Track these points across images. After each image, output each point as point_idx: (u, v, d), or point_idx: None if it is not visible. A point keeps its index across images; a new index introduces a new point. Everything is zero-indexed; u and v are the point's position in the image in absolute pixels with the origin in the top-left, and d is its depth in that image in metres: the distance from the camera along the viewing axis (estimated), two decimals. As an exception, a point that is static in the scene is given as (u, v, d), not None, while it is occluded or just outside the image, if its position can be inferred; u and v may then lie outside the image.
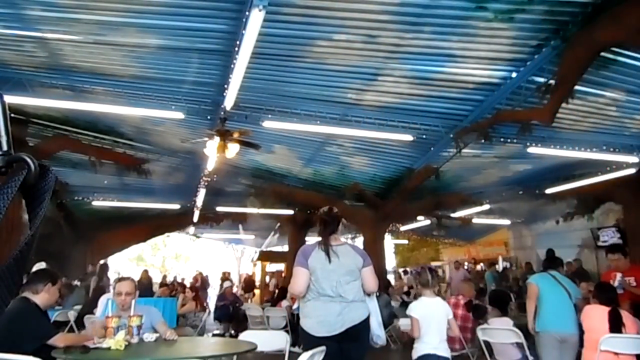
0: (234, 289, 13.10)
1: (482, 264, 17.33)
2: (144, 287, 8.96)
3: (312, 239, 17.17)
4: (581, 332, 3.93)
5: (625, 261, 4.82)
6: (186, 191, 12.62)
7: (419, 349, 3.62)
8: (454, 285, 10.81)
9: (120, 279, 3.70)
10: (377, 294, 3.32)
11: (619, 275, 4.64)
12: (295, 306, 7.31)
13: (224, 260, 28.56)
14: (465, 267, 16.23)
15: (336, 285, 3.03)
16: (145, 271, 11.75)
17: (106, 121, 8.72)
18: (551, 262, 4.52)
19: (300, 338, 3.22)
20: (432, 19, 5.11)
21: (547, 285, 4.20)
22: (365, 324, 3.07)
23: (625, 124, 7.61)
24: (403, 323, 6.03)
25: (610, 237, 12.31)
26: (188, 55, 6.11)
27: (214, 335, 9.11)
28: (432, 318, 3.69)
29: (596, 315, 3.77)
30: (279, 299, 8.79)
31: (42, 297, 3.23)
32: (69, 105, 7.33)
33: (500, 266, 17.20)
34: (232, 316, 9.55)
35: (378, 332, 3.18)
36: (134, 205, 13.57)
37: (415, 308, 3.77)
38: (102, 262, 11.24)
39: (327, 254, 3.08)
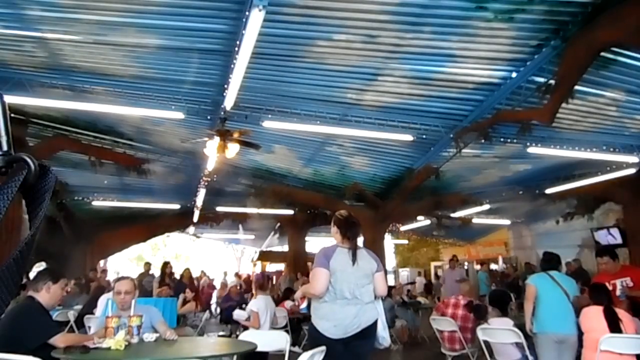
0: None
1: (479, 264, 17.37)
2: (185, 288, 8.77)
3: (312, 239, 17.24)
4: (580, 332, 3.94)
5: (615, 263, 4.77)
6: (186, 191, 12.62)
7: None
8: (449, 286, 9.94)
9: (119, 279, 3.71)
10: (382, 297, 3.36)
11: (619, 284, 4.64)
12: (303, 305, 7.31)
13: (224, 260, 28.57)
14: (465, 267, 16.21)
15: (353, 287, 3.09)
16: (188, 270, 10.97)
17: (106, 121, 8.72)
18: (549, 262, 4.48)
19: (311, 337, 3.24)
20: (432, 19, 5.11)
21: (545, 286, 4.18)
22: (376, 323, 3.16)
23: (625, 124, 7.61)
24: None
25: (604, 236, 12.30)
26: (188, 55, 6.11)
27: (219, 336, 9.05)
28: (267, 311, 5.15)
29: (593, 315, 3.79)
30: (282, 299, 8.77)
31: (42, 295, 3.23)
32: (69, 105, 7.33)
33: (499, 266, 17.19)
34: None
35: (383, 334, 3.23)
36: (134, 205, 13.57)
37: (257, 304, 5.28)
38: (165, 260, 10.97)
39: (354, 257, 3.15)
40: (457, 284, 7.90)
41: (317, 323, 3.12)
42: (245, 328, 7.22)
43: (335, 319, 3.04)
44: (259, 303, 5.29)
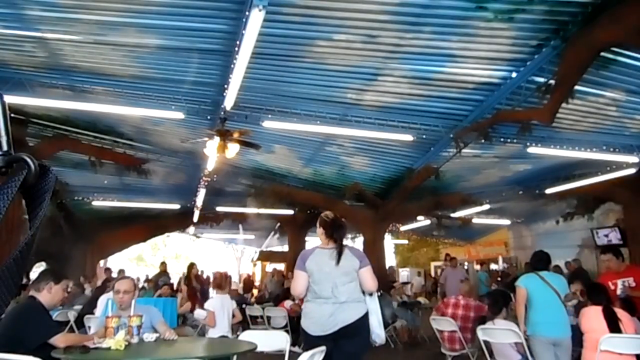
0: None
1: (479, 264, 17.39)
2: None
3: (312, 239, 17.23)
4: (575, 333, 3.93)
5: (618, 262, 4.77)
6: (186, 191, 12.62)
7: (214, 333, 5.12)
8: (450, 286, 9.55)
9: (120, 278, 3.73)
10: (379, 293, 3.37)
11: (620, 283, 4.63)
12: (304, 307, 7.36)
13: (224, 260, 28.55)
14: (465, 267, 16.20)
15: (332, 286, 3.16)
16: (193, 268, 10.79)
17: (106, 121, 8.72)
18: (539, 261, 4.37)
19: (301, 335, 3.40)
20: (432, 19, 5.11)
21: (536, 288, 4.11)
22: (360, 322, 3.15)
23: (625, 124, 7.61)
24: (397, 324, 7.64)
25: (605, 235, 12.31)
26: (188, 55, 6.11)
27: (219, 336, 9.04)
28: (223, 310, 5.31)
29: (592, 315, 3.79)
30: (282, 298, 8.77)
31: (44, 295, 3.23)
32: (69, 105, 7.33)
33: (499, 266, 17.20)
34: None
35: (377, 331, 3.25)
36: (134, 205, 13.57)
37: (213, 303, 5.41)
38: (191, 262, 10.78)
39: (339, 257, 3.22)
40: (461, 284, 7.88)
41: (302, 321, 3.32)
42: (245, 328, 7.24)
43: (313, 317, 3.20)
44: (216, 302, 5.48)
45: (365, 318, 3.17)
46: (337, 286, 3.15)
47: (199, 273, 16.59)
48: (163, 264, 11.32)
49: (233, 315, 5.56)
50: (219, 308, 5.39)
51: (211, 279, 17.27)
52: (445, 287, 9.98)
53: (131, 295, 3.51)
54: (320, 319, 3.15)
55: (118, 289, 3.49)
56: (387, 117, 7.45)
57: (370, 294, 3.29)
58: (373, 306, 3.26)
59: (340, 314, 3.11)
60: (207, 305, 5.54)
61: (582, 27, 5.00)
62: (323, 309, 3.16)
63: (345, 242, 3.42)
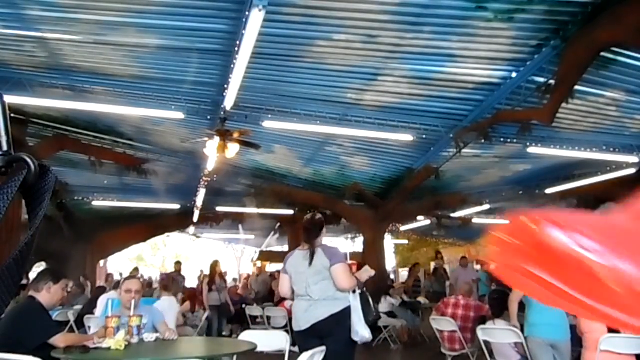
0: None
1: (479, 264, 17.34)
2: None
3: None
4: (575, 333, 3.92)
5: None
6: (186, 191, 12.61)
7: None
8: (460, 286, 9.94)
9: (128, 277, 3.76)
10: (360, 291, 3.41)
11: None
12: None
13: (224, 260, 28.56)
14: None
15: (306, 286, 3.34)
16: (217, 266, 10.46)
17: (106, 121, 8.72)
18: None
19: None
20: (432, 19, 5.11)
21: None
22: (334, 319, 3.23)
23: (625, 124, 7.61)
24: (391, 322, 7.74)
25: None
26: (188, 55, 6.11)
27: (219, 336, 9.01)
28: (171, 312, 5.22)
29: None
30: (282, 299, 8.75)
31: (43, 295, 3.23)
32: (69, 105, 7.33)
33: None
34: (239, 317, 9.45)
35: (357, 328, 3.30)
36: (134, 205, 13.56)
37: (160, 305, 5.17)
38: (215, 260, 10.57)
39: (312, 258, 3.36)
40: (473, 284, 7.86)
41: None
42: (245, 328, 7.24)
43: (294, 313, 3.45)
44: (163, 305, 5.44)
45: (340, 315, 3.24)
46: (310, 285, 3.31)
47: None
48: (178, 263, 11.28)
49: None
50: (167, 310, 5.37)
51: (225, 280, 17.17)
52: (457, 288, 9.90)
53: (140, 295, 3.55)
54: (297, 314, 3.37)
55: (130, 288, 3.50)
56: (387, 117, 7.44)
57: (353, 292, 3.36)
58: (355, 304, 3.34)
59: (314, 311, 3.26)
60: (155, 307, 5.55)
61: (582, 27, 5.00)
62: (300, 305, 3.38)
63: (323, 242, 3.52)
